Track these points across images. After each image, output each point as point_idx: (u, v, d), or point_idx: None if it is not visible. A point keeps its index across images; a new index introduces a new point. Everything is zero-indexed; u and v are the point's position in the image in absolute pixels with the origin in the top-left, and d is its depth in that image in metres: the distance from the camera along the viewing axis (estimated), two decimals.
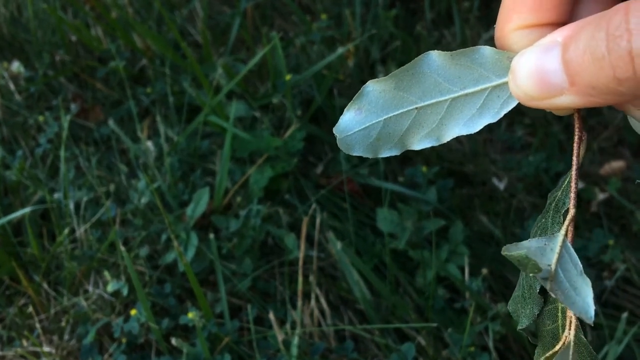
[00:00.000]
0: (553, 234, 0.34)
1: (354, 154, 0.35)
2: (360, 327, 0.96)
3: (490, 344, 0.93)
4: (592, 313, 0.31)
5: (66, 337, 0.99)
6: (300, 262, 0.99)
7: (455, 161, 1.25)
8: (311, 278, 1.01)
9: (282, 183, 1.15)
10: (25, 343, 0.98)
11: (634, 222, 1.15)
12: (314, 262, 1.02)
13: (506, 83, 0.34)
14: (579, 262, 0.32)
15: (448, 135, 0.35)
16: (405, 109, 0.35)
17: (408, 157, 1.25)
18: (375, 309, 0.98)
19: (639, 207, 1.17)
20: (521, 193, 1.20)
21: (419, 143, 0.35)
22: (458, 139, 1.27)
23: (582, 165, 1.23)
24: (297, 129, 1.17)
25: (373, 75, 1.39)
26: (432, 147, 1.21)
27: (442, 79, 0.34)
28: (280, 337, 0.92)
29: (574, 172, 0.34)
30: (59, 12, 1.46)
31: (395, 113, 0.35)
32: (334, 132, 0.35)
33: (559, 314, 0.34)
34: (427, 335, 0.94)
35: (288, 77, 1.22)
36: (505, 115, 0.35)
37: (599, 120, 1.37)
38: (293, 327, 0.96)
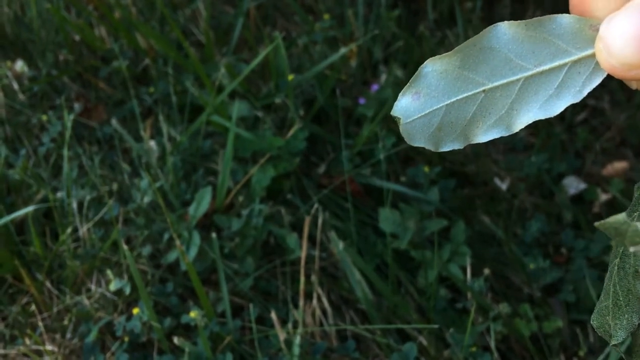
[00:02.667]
0: None
1: (416, 145, 0.31)
2: (362, 327, 0.96)
3: (492, 345, 0.93)
4: None
5: (68, 335, 0.99)
6: (302, 262, 0.99)
7: (457, 161, 1.25)
8: (313, 278, 1.01)
9: (284, 183, 1.15)
10: (27, 341, 0.98)
11: None
12: (316, 261, 1.02)
13: (588, 57, 0.29)
14: None
15: (520, 123, 0.30)
16: (471, 92, 0.30)
17: (410, 157, 1.25)
18: (377, 309, 0.98)
19: None
20: (523, 193, 1.20)
21: (485, 134, 0.31)
22: None
23: (584, 165, 1.22)
24: (300, 128, 1.17)
25: (375, 76, 1.40)
26: None
27: (513, 55, 0.30)
28: (282, 336, 0.92)
29: None
30: (62, 12, 1.46)
31: (458, 97, 0.30)
32: (392, 115, 0.31)
33: None
34: (429, 335, 0.94)
35: (290, 77, 1.22)
36: None
37: (601, 121, 1.37)
38: (295, 327, 0.96)
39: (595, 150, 1.30)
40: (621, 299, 0.31)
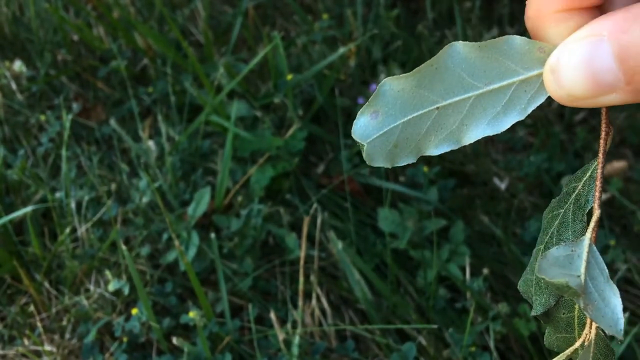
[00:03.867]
0: (575, 231, 0.32)
1: (375, 165, 0.32)
2: (361, 327, 0.96)
3: (491, 344, 0.93)
4: (622, 326, 0.28)
5: (67, 336, 0.99)
6: (301, 262, 0.99)
7: (456, 161, 1.25)
8: (312, 278, 1.01)
9: (283, 183, 1.15)
10: (26, 342, 0.98)
11: (636, 223, 1.15)
12: (315, 261, 1.02)
13: (535, 76, 0.31)
14: (605, 268, 0.30)
15: (469, 137, 0.32)
16: (425, 110, 0.31)
17: None
18: (376, 308, 0.98)
19: None
20: (522, 193, 1.20)
21: (437, 147, 0.32)
22: None
23: (583, 165, 1.22)
24: (299, 128, 1.17)
25: (374, 75, 1.40)
26: None
27: (465, 74, 0.31)
28: (281, 336, 0.92)
29: (599, 169, 0.31)
30: (61, 12, 1.46)
31: (414, 115, 0.32)
32: (353, 137, 0.32)
33: (577, 306, 0.33)
34: (428, 335, 0.94)
35: (289, 76, 1.22)
36: None
37: (600, 120, 1.37)
38: (294, 327, 0.96)
39: (594, 149, 1.30)
40: (542, 282, 0.34)
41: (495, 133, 0.31)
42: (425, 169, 1.14)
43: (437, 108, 0.31)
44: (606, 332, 0.29)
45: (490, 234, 1.13)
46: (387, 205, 1.08)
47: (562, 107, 1.37)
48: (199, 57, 1.40)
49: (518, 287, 0.36)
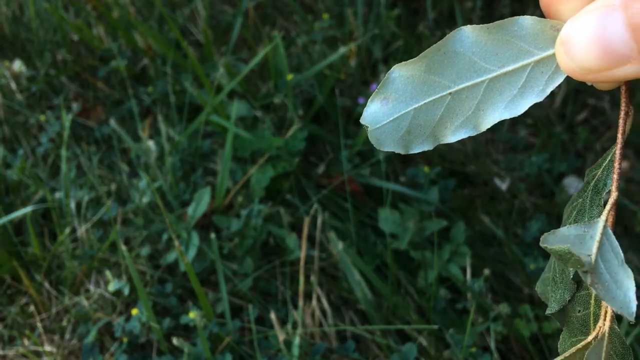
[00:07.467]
0: (592, 217, 0.31)
1: (385, 150, 0.32)
2: (362, 328, 0.96)
3: (492, 345, 0.93)
4: (634, 309, 0.28)
5: (67, 336, 0.99)
6: (302, 262, 0.99)
7: (457, 161, 1.25)
8: (312, 278, 1.01)
9: (284, 183, 1.14)
10: (26, 342, 0.98)
11: (637, 223, 1.15)
12: (315, 262, 1.02)
13: (551, 56, 0.30)
14: (620, 252, 0.29)
15: (487, 122, 0.31)
16: (438, 95, 0.31)
17: (409, 157, 1.25)
18: (377, 309, 0.98)
19: None
20: (523, 193, 1.20)
21: (454, 134, 0.31)
22: (460, 139, 1.27)
23: (584, 165, 1.21)
24: (299, 128, 1.17)
25: (375, 75, 1.39)
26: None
27: (477, 58, 0.31)
28: (281, 337, 0.92)
29: (618, 150, 0.30)
30: (61, 12, 1.46)
31: (426, 101, 0.31)
32: (361, 123, 0.32)
33: (592, 302, 0.32)
34: (429, 335, 0.94)
35: (290, 76, 1.21)
36: None
37: (602, 120, 1.36)
38: (294, 327, 0.96)
39: (595, 150, 1.29)
40: (557, 275, 0.33)
41: (512, 116, 0.31)
42: (426, 169, 1.14)
43: (450, 93, 0.31)
44: (619, 313, 0.28)
45: (491, 235, 1.13)
46: (387, 206, 1.07)
47: (563, 107, 1.36)
48: (198, 57, 1.40)
49: (536, 289, 0.35)
